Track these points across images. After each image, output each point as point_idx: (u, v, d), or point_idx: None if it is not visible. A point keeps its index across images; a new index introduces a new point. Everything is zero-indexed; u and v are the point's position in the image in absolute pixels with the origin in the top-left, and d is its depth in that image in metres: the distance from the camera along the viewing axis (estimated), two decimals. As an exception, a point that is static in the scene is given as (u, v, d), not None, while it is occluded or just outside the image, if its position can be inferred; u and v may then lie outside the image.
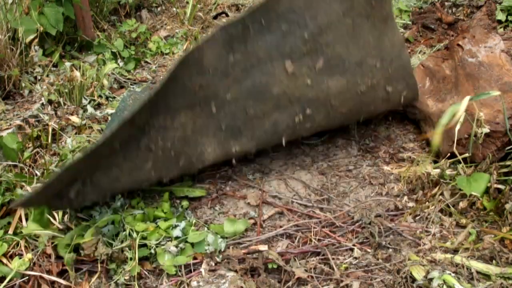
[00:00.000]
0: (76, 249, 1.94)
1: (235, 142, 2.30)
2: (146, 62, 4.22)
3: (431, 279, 1.75)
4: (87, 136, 2.77)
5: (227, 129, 2.25)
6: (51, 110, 3.01)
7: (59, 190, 1.93)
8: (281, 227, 2.17)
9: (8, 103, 3.19)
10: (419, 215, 2.19)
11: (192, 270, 1.92)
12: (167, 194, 2.34)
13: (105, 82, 3.44)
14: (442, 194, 2.22)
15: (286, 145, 2.89)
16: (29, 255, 1.89)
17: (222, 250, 1.97)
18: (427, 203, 2.22)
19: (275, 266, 1.89)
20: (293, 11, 2.16)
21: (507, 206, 2.02)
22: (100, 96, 3.27)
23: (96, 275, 1.90)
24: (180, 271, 1.91)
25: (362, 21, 2.30)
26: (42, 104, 3.05)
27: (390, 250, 2.00)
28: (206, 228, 2.12)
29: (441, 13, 4.39)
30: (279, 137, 2.39)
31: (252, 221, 2.21)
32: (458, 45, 2.83)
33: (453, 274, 1.77)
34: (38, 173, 2.38)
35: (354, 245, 2.03)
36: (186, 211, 2.27)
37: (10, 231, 1.99)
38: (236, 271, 1.84)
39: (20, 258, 1.89)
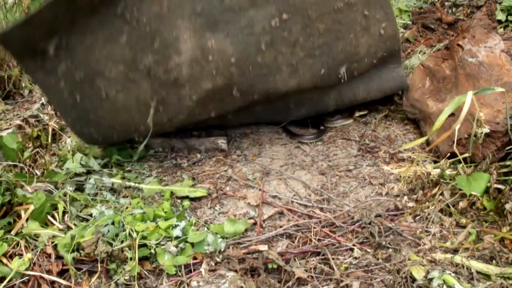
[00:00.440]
0: (76, 249, 1.94)
1: (211, 35, 2.25)
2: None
3: (431, 279, 1.75)
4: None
5: (202, 15, 2.21)
6: (51, 110, 3.01)
7: (38, 39, 1.94)
8: (281, 227, 2.17)
9: (8, 103, 3.19)
10: (419, 215, 2.19)
11: (192, 270, 1.92)
12: (168, 193, 2.35)
13: (105, 82, 3.44)
14: (442, 194, 2.22)
15: (286, 145, 2.90)
16: (29, 255, 1.89)
17: (222, 250, 1.97)
18: (427, 203, 2.22)
19: (275, 266, 1.89)
20: None
21: (507, 206, 2.02)
22: (100, 96, 3.26)
23: (96, 275, 1.90)
24: (180, 271, 1.91)
25: None
26: (42, 104, 3.06)
27: (390, 250, 2.00)
28: (206, 228, 2.12)
29: (441, 13, 4.39)
30: (257, 41, 2.33)
31: (252, 221, 2.21)
32: (458, 45, 2.83)
33: (453, 274, 1.77)
34: (38, 173, 2.38)
35: (354, 245, 2.03)
36: (186, 211, 2.27)
37: (13, 232, 1.99)
38: (236, 271, 1.84)
39: (20, 258, 1.89)
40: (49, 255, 1.93)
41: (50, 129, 2.72)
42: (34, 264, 1.90)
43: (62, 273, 1.92)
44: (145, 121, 2.38)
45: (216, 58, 2.30)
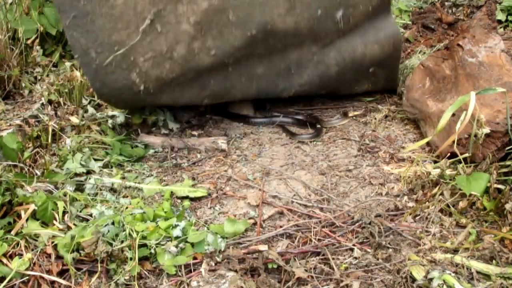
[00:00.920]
0: (76, 249, 1.94)
1: None
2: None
3: (431, 279, 1.75)
4: (86, 137, 2.77)
5: None
6: (51, 110, 3.01)
7: None
8: (281, 227, 2.17)
9: (8, 103, 3.19)
10: (419, 215, 2.19)
11: (192, 270, 1.92)
12: (168, 193, 2.35)
13: (105, 82, 3.44)
14: (442, 194, 2.22)
15: (286, 145, 2.90)
16: (29, 255, 1.89)
17: (222, 250, 1.97)
18: (427, 203, 2.22)
19: (275, 266, 1.89)
20: None
21: (507, 206, 2.02)
22: (100, 96, 3.27)
23: (96, 275, 1.90)
24: (180, 271, 1.91)
25: None
26: (42, 104, 3.05)
27: (390, 250, 2.00)
28: (206, 228, 2.12)
29: (441, 13, 4.39)
30: None
31: (252, 221, 2.21)
32: (458, 45, 2.83)
33: (453, 274, 1.77)
34: (38, 173, 2.38)
35: (354, 245, 2.03)
36: (186, 211, 2.27)
37: (13, 232, 1.99)
38: (236, 271, 1.84)
39: (20, 258, 1.89)
40: (49, 255, 1.93)
41: (50, 129, 2.72)
42: (34, 264, 1.90)
43: (62, 273, 1.92)
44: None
45: None
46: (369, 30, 2.94)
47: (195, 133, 3.08)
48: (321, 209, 2.29)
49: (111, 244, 1.93)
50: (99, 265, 1.89)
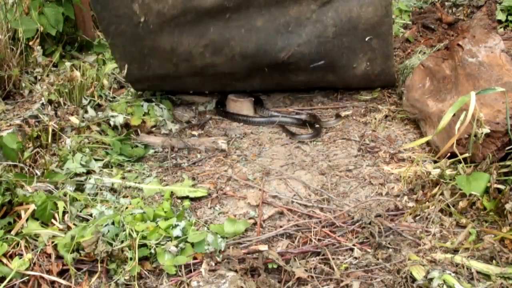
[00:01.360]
0: (76, 249, 1.94)
1: None
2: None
3: (431, 279, 1.74)
4: (86, 137, 2.77)
5: None
6: (51, 110, 3.01)
7: None
8: (281, 227, 2.17)
9: (8, 103, 3.19)
10: (419, 215, 2.19)
11: (192, 270, 1.92)
12: (168, 193, 2.35)
13: (105, 82, 3.44)
14: (442, 194, 2.22)
15: (286, 145, 2.90)
16: (29, 255, 1.89)
17: (222, 250, 1.97)
18: (427, 203, 2.22)
19: (275, 266, 1.89)
20: None
21: (507, 206, 2.02)
22: (100, 96, 3.27)
23: (96, 275, 1.90)
24: (180, 271, 1.91)
25: None
26: (42, 104, 3.05)
27: (390, 250, 2.00)
28: (206, 228, 2.12)
29: (441, 13, 4.39)
30: None
31: (252, 221, 2.21)
32: (458, 45, 2.83)
33: (453, 274, 1.77)
34: (38, 173, 2.38)
35: (354, 245, 2.03)
36: (186, 211, 2.27)
37: (13, 232, 1.99)
38: (236, 271, 1.84)
39: (20, 258, 1.89)
40: (49, 255, 1.93)
41: (50, 129, 2.72)
42: (34, 264, 1.90)
43: (62, 273, 1.92)
44: None
45: None
46: None
47: (195, 133, 3.08)
48: (321, 209, 2.29)
49: (111, 244, 1.93)
50: (99, 265, 1.89)
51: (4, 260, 1.89)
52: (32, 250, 1.94)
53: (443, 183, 2.25)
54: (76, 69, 3.33)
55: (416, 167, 2.45)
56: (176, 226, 2.03)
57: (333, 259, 1.94)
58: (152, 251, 1.94)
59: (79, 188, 2.39)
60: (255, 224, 2.20)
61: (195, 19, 2.71)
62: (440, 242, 2.02)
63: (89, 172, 2.52)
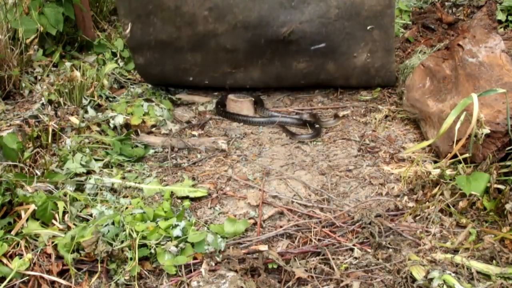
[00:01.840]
0: (77, 249, 1.94)
1: None
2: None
3: (431, 279, 1.74)
4: (86, 137, 2.77)
5: None
6: (51, 110, 3.01)
7: None
8: (281, 227, 2.17)
9: (8, 103, 3.19)
10: (419, 215, 2.19)
11: (192, 270, 1.92)
12: (168, 193, 2.35)
13: (105, 82, 3.44)
14: (442, 194, 2.22)
15: (286, 145, 2.90)
16: (29, 255, 1.89)
17: (222, 250, 1.97)
18: (427, 203, 2.22)
19: (275, 266, 1.89)
20: None
21: (507, 206, 2.02)
22: (100, 96, 3.27)
23: (96, 275, 1.90)
24: (180, 271, 1.91)
25: None
26: (42, 104, 3.05)
27: (390, 250, 2.00)
28: (206, 228, 2.12)
29: (441, 13, 4.39)
30: None
31: (252, 221, 2.21)
32: (459, 45, 2.83)
33: (453, 274, 1.77)
34: (38, 173, 2.38)
35: (354, 245, 2.03)
36: (186, 211, 2.27)
37: (13, 232, 1.99)
38: (236, 271, 1.84)
39: (20, 258, 1.89)
40: (49, 255, 1.93)
41: (50, 129, 2.72)
42: (34, 264, 1.90)
43: (62, 273, 1.92)
44: None
45: None
46: None
47: (195, 133, 3.08)
48: (321, 209, 2.29)
49: (111, 244, 1.93)
50: (99, 265, 1.89)
51: (4, 260, 1.89)
52: (32, 250, 1.94)
53: (443, 183, 2.25)
54: (76, 69, 3.33)
55: (416, 167, 2.45)
56: (176, 226, 2.03)
57: (333, 259, 1.94)
58: (152, 251, 1.94)
59: (79, 188, 2.39)
60: (255, 224, 2.20)
61: None
62: (440, 242, 2.02)
63: (89, 172, 2.52)
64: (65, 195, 2.23)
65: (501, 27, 4.30)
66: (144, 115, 3.03)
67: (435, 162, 2.54)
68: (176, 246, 1.94)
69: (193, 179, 2.55)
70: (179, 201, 2.36)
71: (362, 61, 3.26)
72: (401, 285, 1.79)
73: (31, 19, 3.41)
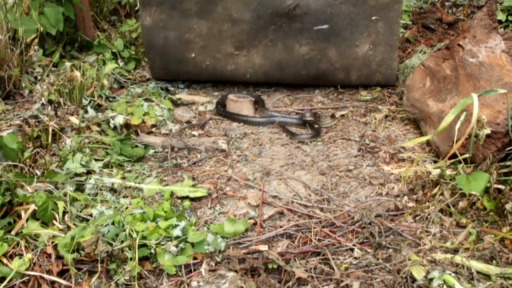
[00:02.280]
0: (77, 249, 1.94)
1: None
2: (146, 62, 4.22)
3: (431, 279, 1.74)
4: (86, 137, 2.77)
5: None
6: (51, 110, 3.01)
7: None
8: (281, 227, 2.17)
9: (8, 103, 3.19)
10: (419, 215, 2.19)
11: (192, 270, 1.92)
12: (168, 193, 2.35)
13: (105, 82, 3.44)
14: (442, 194, 2.22)
15: (286, 145, 2.90)
16: (29, 255, 1.89)
17: (222, 250, 1.97)
18: (427, 203, 2.22)
19: (275, 266, 1.89)
20: None
21: (507, 206, 2.02)
22: (100, 96, 3.27)
23: (96, 275, 1.90)
24: (180, 271, 1.91)
25: None
26: (42, 104, 3.05)
27: (390, 250, 2.00)
28: (206, 228, 2.12)
29: (441, 13, 4.39)
30: None
31: (252, 221, 2.21)
32: (459, 45, 2.83)
33: (453, 274, 1.77)
34: (38, 173, 2.38)
35: (354, 245, 2.03)
36: (186, 211, 2.27)
37: (13, 232, 1.99)
38: (236, 271, 1.84)
39: (20, 258, 1.89)
40: (49, 255, 1.93)
41: (50, 129, 2.72)
42: (34, 264, 1.90)
43: (62, 273, 1.92)
44: None
45: None
46: None
47: (195, 133, 3.08)
48: (321, 209, 2.29)
49: (111, 244, 1.93)
50: (99, 265, 1.89)
51: (4, 260, 1.89)
52: (32, 250, 1.94)
53: (443, 183, 2.25)
54: (76, 69, 3.33)
55: (416, 167, 2.45)
56: (176, 226, 2.03)
57: (333, 259, 1.94)
58: (152, 251, 1.94)
59: (79, 188, 2.39)
60: (255, 224, 2.20)
61: None
62: (440, 242, 2.02)
63: (89, 172, 2.52)
64: (65, 195, 2.23)
65: (501, 27, 4.30)
66: (144, 115, 3.03)
67: (435, 162, 2.54)
68: (176, 246, 1.94)
69: (193, 179, 2.55)
70: (179, 201, 2.36)
71: (363, 52, 3.27)
72: (401, 285, 1.79)
73: (31, 19, 3.41)
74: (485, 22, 2.89)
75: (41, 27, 3.44)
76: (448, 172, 2.30)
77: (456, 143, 2.24)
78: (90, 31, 4.07)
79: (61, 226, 2.07)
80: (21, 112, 3.01)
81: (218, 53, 3.43)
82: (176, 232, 2.00)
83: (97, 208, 2.18)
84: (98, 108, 3.18)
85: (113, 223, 2.03)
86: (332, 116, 3.17)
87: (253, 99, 3.36)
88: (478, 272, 1.81)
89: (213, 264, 1.90)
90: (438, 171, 2.33)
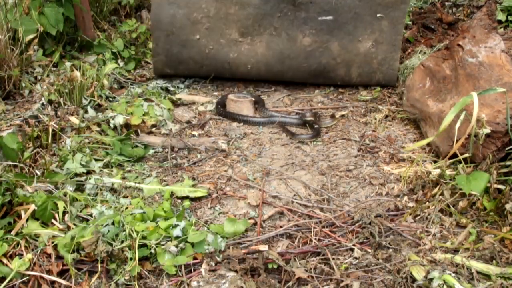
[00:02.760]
0: (77, 249, 1.94)
1: None
2: (146, 62, 4.22)
3: (431, 279, 1.75)
4: (86, 137, 2.77)
5: None
6: (51, 110, 3.01)
7: None
8: (281, 227, 2.17)
9: (8, 103, 3.19)
10: (419, 215, 2.19)
11: (192, 270, 1.92)
12: (168, 193, 2.34)
13: (105, 82, 3.44)
14: (442, 194, 2.22)
15: (286, 145, 2.90)
16: (29, 255, 1.89)
17: (222, 250, 1.97)
18: (427, 203, 2.22)
19: (275, 266, 1.89)
20: None
21: (507, 206, 2.02)
22: (100, 96, 3.27)
23: (96, 275, 1.90)
24: (180, 271, 1.91)
25: None
26: (42, 104, 3.05)
27: (390, 250, 2.00)
28: (206, 228, 2.12)
29: (441, 13, 4.39)
30: None
31: (252, 221, 2.21)
32: (459, 45, 2.83)
33: (453, 274, 1.77)
34: (38, 173, 2.38)
35: (354, 245, 2.03)
36: (186, 211, 2.27)
37: (13, 232, 1.99)
38: (236, 271, 1.84)
39: (20, 258, 1.89)
40: (49, 255, 1.93)
41: (50, 129, 2.72)
42: (34, 264, 1.90)
43: (62, 273, 1.92)
44: None
45: None
46: None
47: (195, 133, 3.08)
48: (321, 209, 2.29)
49: (111, 244, 1.93)
50: (99, 265, 1.89)
51: (4, 260, 1.89)
52: (32, 250, 1.94)
53: (443, 183, 2.25)
54: (76, 69, 3.33)
55: (416, 167, 2.45)
56: (176, 226, 2.03)
57: (333, 259, 1.94)
58: (152, 251, 1.94)
59: (79, 188, 2.39)
60: (255, 224, 2.20)
61: None
62: (440, 242, 2.02)
63: (89, 172, 2.52)
64: (65, 195, 2.23)
65: (501, 27, 4.30)
66: (144, 115, 3.03)
67: (435, 162, 2.54)
68: (176, 246, 1.94)
69: (193, 179, 2.55)
70: (179, 201, 2.36)
71: (366, 48, 3.27)
72: (401, 285, 1.79)
73: (31, 19, 3.41)
74: (484, 22, 2.90)
75: (41, 27, 3.44)
76: (448, 172, 2.30)
77: (456, 142, 2.24)
78: (90, 31, 4.07)
79: (61, 226, 2.07)
80: (21, 112, 3.01)
81: (223, 38, 3.44)
82: (176, 232, 2.00)
83: (97, 208, 2.18)
84: (98, 108, 3.18)
85: (113, 223, 2.03)
86: (332, 116, 3.17)
87: (253, 99, 3.36)
88: (478, 272, 1.81)
89: (213, 264, 1.90)
90: (438, 171, 2.33)
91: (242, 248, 1.99)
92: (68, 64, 3.48)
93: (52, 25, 3.52)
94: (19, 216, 2.05)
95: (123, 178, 2.48)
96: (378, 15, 3.16)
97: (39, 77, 3.43)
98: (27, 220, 2.03)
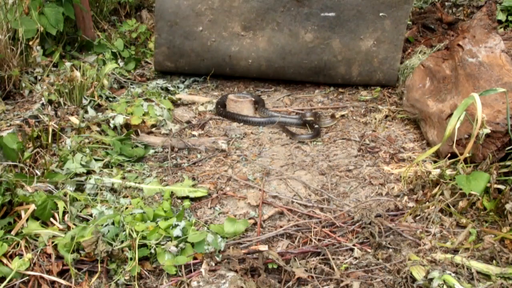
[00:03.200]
0: (77, 249, 1.94)
1: None
2: (146, 62, 4.22)
3: (431, 279, 1.75)
4: (87, 137, 2.77)
5: None
6: (51, 110, 3.01)
7: None
8: (281, 227, 2.17)
9: (8, 103, 3.19)
10: (419, 215, 2.19)
11: (192, 270, 1.92)
12: (168, 193, 2.35)
13: (105, 82, 3.44)
14: (442, 194, 2.22)
15: (286, 145, 2.90)
16: (29, 255, 1.89)
17: (222, 250, 1.97)
18: (427, 203, 2.22)
19: (275, 266, 1.89)
20: None
21: (507, 206, 2.02)
22: (100, 96, 3.27)
23: (96, 275, 1.90)
24: (180, 271, 1.91)
25: None
26: (42, 104, 3.05)
27: (390, 250, 2.00)
28: (206, 228, 2.12)
29: (441, 13, 4.39)
30: None
31: (252, 221, 2.21)
32: (459, 45, 2.83)
33: (453, 274, 1.77)
34: (38, 173, 2.38)
35: (354, 245, 2.03)
36: (186, 211, 2.27)
37: (13, 232, 1.99)
38: (236, 271, 1.84)
39: (20, 258, 1.89)
40: (49, 255, 1.93)
41: (50, 129, 2.72)
42: (34, 264, 1.90)
43: (62, 273, 1.92)
44: None
45: None
46: None
47: (195, 133, 3.08)
48: (321, 209, 2.29)
49: (111, 244, 1.93)
50: (99, 265, 1.89)
51: (4, 260, 1.89)
52: (32, 250, 1.94)
53: (443, 183, 2.25)
54: (76, 69, 3.33)
55: (416, 167, 2.45)
56: (176, 226, 2.03)
57: (333, 259, 1.94)
58: (152, 251, 1.94)
59: (79, 188, 2.39)
60: (255, 224, 2.20)
61: None
62: (440, 242, 2.02)
63: (89, 172, 2.52)
64: (65, 195, 2.23)
65: (501, 27, 4.30)
66: (144, 115, 3.03)
67: (435, 162, 2.54)
68: (176, 246, 1.94)
69: (193, 179, 2.55)
70: (179, 201, 2.36)
71: (367, 47, 3.27)
72: (401, 285, 1.79)
73: (31, 19, 3.41)
74: (484, 22, 2.89)
75: (41, 27, 3.44)
76: (448, 172, 2.30)
77: (456, 143, 2.24)
78: (90, 31, 4.07)
79: (61, 226, 2.07)
80: (21, 112, 3.01)
81: (225, 31, 3.44)
82: (176, 232, 2.00)
83: (97, 208, 2.18)
84: (98, 108, 3.18)
85: (113, 223, 2.03)
86: (332, 116, 3.18)
87: (253, 99, 3.36)
88: (478, 272, 1.81)
89: (213, 264, 1.90)
90: (438, 171, 2.33)
91: (242, 248, 1.99)
92: (68, 64, 3.48)
93: (52, 25, 3.52)
94: (19, 216, 2.05)
95: (123, 178, 2.48)
96: (381, 14, 3.16)
97: (39, 77, 3.43)
98: (27, 220, 2.03)
